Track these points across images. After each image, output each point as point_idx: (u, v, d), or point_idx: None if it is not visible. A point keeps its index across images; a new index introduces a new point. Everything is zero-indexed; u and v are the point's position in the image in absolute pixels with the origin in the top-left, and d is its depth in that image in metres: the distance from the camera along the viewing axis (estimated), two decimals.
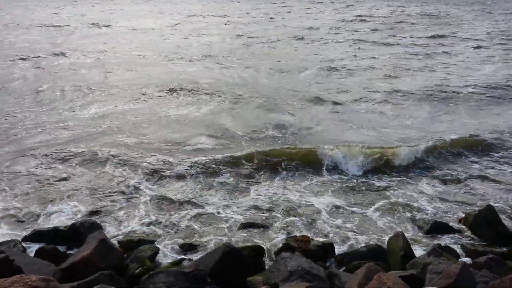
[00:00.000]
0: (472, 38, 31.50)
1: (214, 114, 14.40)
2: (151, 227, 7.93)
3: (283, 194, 9.33)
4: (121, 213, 8.38)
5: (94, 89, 17.26)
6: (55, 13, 51.65)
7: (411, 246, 6.72)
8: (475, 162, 11.02)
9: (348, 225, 8.14)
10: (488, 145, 11.86)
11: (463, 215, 8.32)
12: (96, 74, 20.07)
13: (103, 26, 39.08)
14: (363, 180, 10.06)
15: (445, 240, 7.56)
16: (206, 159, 10.65)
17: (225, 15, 51.39)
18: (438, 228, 7.87)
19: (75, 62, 22.88)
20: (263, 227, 7.98)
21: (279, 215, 8.44)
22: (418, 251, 6.96)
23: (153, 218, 8.22)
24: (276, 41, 30.47)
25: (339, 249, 7.23)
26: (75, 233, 7.11)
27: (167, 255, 7.01)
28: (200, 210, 8.55)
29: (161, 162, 10.46)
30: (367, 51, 26.64)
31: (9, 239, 7.07)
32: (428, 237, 7.70)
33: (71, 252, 6.79)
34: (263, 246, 7.02)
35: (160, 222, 8.09)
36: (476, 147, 11.73)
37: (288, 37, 32.00)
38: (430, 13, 51.70)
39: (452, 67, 22.11)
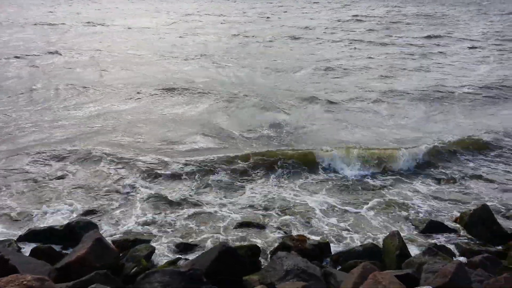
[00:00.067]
0: (467, 38, 31.65)
1: (209, 113, 14.38)
2: (147, 226, 7.92)
3: (279, 193, 9.34)
4: (117, 212, 8.36)
5: (89, 88, 17.18)
6: (50, 12, 51.37)
7: (407, 245, 6.75)
8: (470, 162, 11.07)
9: (344, 225, 8.16)
10: (483, 145, 11.92)
11: (459, 214, 8.36)
12: (91, 73, 19.97)
13: (99, 25, 38.91)
14: (359, 180, 10.09)
15: (441, 239, 7.60)
16: (201, 159, 10.64)
17: (221, 14, 51.33)
18: (433, 227, 7.91)
19: (70, 61, 22.76)
20: (259, 226, 7.98)
21: (275, 214, 8.45)
22: (414, 251, 6.99)
23: (149, 217, 8.20)
24: (272, 41, 30.48)
25: (335, 248, 7.25)
26: (70, 233, 7.08)
27: (163, 254, 7.00)
28: (196, 209, 8.55)
29: (157, 161, 10.44)
30: (363, 51, 26.70)
31: (4, 238, 7.05)
32: (423, 236, 7.74)
33: (66, 251, 6.76)
34: (259, 246, 7.02)
35: (156, 221, 8.08)
36: (471, 147, 11.78)
37: (284, 37, 32.01)
38: (426, 13, 51.87)
39: (448, 67, 22.20)
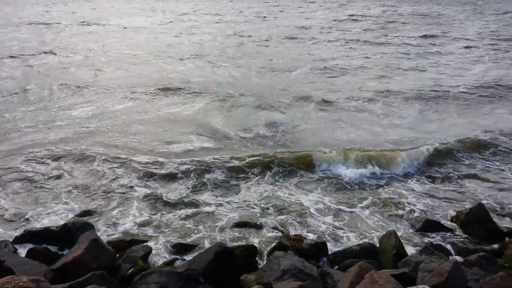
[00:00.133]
0: (463, 38, 31.75)
1: (205, 113, 14.36)
2: (144, 226, 7.91)
3: (275, 192, 9.35)
4: (113, 212, 8.34)
5: (83, 88, 17.09)
6: (45, 11, 51.12)
7: (403, 244, 6.77)
8: (466, 161, 11.12)
9: (341, 224, 8.18)
10: (478, 144, 11.97)
11: (455, 213, 8.40)
12: (86, 73, 19.88)
13: (94, 24, 38.76)
14: (356, 180, 10.08)
15: (437, 238, 7.62)
16: (197, 159, 10.63)
17: (218, 14, 51.26)
18: (430, 226, 7.94)
19: (65, 61, 22.64)
20: (256, 226, 7.98)
21: (271, 214, 8.46)
22: (410, 250, 7.02)
23: (146, 217, 8.19)
24: (268, 40, 30.47)
25: (332, 248, 7.26)
26: (66, 233, 7.06)
27: (160, 255, 6.99)
28: (193, 209, 8.54)
29: (153, 161, 10.42)
30: (359, 50, 26.74)
31: (0, 239, 7.00)
32: (420, 235, 7.76)
33: (62, 252, 6.74)
34: (256, 245, 7.03)
35: (153, 222, 8.07)
36: (467, 146, 11.82)
37: (280, 36, 32.00)
38: (421, 12, 52.01)
39: (443, 66, 22.28)
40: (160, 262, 6.72)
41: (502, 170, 10.69)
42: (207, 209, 8.58)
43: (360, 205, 8.94)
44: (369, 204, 8.99)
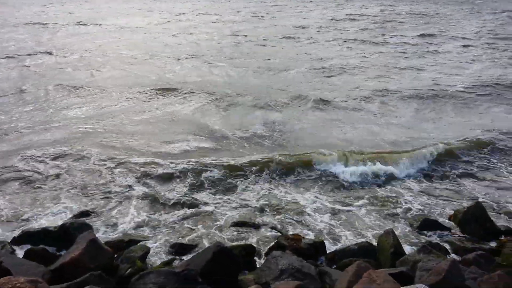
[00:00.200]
0: (461, 37, 31.81)
1: (202, 113, 14.34)
2: (142, 227, 7.90)
3: (273, 192, 9.35)
4: (111, 213, 8.33)
5: (80, 88, 17.02)
6: (42, 11, 50.98)
7: (401, 243, 6.78)
8: (464, 160, 11.13)
9: (339, 223, 8.18)
10: (476, 143, 11.98)
11: (453, 212, 8.41)
12: (83, 73, 19.81)
13: (91, 24, 38.66)
14: (355, 180, 10.07)
15: (435, 237, 7.64)
16: (195, 159, 10.62)
17: (215, 14, 51.21)
18: (428, 225, 7.96)
19: (61, 61, 22.56)
20: (254, 225, 7.99)
21: (270, 214, 8.46)
22: (408, 249, 7.03)
23: (144, 217, 8.18)
24: (266, 40, 30.45)
25: (330, 247, 7.27)
26: (64, 234, 7.04)
27: (158, 255, 6.99)
28: (191, 209, 8.54)
29: (151, 162, 10.40)
30: (357, 50, 26.76)
31: None
32: (418, 234, 7.78)
33: (60, 253, 6.72)
34: (254, 245, 7.03)
35: (151, 222, 8.06)
36: (464, 145, 11.83)
37: (278, 36, 31.98)
38: (419, 11, 52.09)
39: (441, 65, 22.32)
40: (158, 262, 6.72)
41: (500, 168, 10.72)
42: (205, 209, 8.58)
43: (358, 204, 8.96)
44: (367, 203, 9.01)
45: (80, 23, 38.89)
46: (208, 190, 9.35)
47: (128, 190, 9.18)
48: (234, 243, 7.14)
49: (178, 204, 8.71)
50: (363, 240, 7.47)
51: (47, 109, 14.52)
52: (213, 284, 5.34)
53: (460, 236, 7.64)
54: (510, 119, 14.27)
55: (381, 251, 6.64)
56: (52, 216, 8.14)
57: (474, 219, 7.70)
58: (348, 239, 7.65)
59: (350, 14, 48.31)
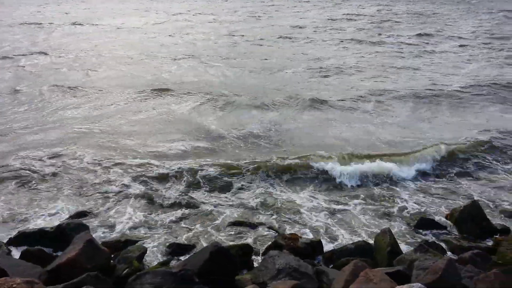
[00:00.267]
0: (457, 36, 31.90)
1: (199, 113, 14.32)
2: (139, 227, 7.89)
3: (270, 192, 9.35)
4: (108, 213, 8.31)
5: (75, 89, 16.91)
6: (38, 11, 50.81)
7: (398, 242, 6.79)
8: (460, 159, 11.15)
9: (336, 223, 8.20)
10: (472, 142, 12.00)
11: (449, 211, 8.43)
12: (78, 74, 19.71)
13: (87, 24, 38.55)
14: (353, 181, 10.07)
15: (432, 236, 7.67)
16: (192, 159, 10.62)
17: (212, 13, 51.17)
18: (424, 224, 7.99)
19: (57, 61, 22.47)
20: (251, 225, 7.99)
21: (267, 213, 8.46)
22: (405, 248, 7.04)
23: (141, 218, 8.16)
24: (263, 40, 30.44)
25: (327, 246, 7.28)
26: (61, 234, 7.03)
27: (155, 255, 6.98)
28: (187, 210, 8.53)
29: (147, 162, 10.37)
30: (353, 49, 26.79)
31: None
32: (414, 233, 7.80)
33: (57, 254, 6.71)
34: (251, 245, 7.03)
35: (148, 222, 8.05)
36: (460, 144, 11.85)
37: (275, 36, 31.98)
38: (416, 11, 52.22)
39: (438, 65, 22.37)
40: (155, 262, 6.71)
41: (496, 168, 10.76)
42: (202, 209, 8.58)
43: (355, 203, 8.97)
44: (363, 202, 9.03)
45: (76, 23, 38.77)
46: (205, 190, 9.35)
47: (125, 190, 9.16)
48: (231, 243, 7.13)
49: (175, 204, 8.70)
50: (360, 239, 7.48)
51: (42, 110, 14.46)
52: (210, 284, 5.34)
53: (457, 235, 7.66)
54: (506, 118, 14.32)
55: (378, 250, 6.65)
56: (48, 216, 8.12)
57: (471, 218, 7.73)
58: (345, 238, 7.66)
59: (347, 14, 48.37)
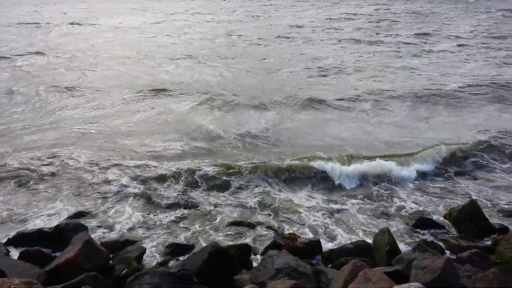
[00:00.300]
0: (455, 36, 31.94)
1: (196, 114, 14.30)
2: (137, 227, 7.88)
3: (269, 192, 9.35)
4: (107, 213, 8.30)
5: (72, 89, 16.85)
6: (35, 11, 50.70)
7: (397, 242, 6.80)
8: (459, 159, 11.16)
9: (335, 222, 8.20)
10: (470, 141, 12.03)
11: (448, 210, 8.45)
12: (75, 74, 19.63)
13: (84, 24, 38.48)
14: (351, 180, 10.09)
15: (430, 235, 7.68)
16: (190, 159, 10.62)
17: (210, 13, 51.14)
18: (423, 223, 8.00)
19: (54, 61, 22.40)
20: (250, 225, 7.98)
21: (266, 213, 8.47)
22: (404, 247, 7.05)
23: (139, 218, 8.16)
24: (261, 40, 30.44)
25: (326, 246, 7.28)
26: (60, 235, 7.01)
27: (154, 255, 6.98)
28: (186, 210, 8.53)
29: (145, 163, 10.34)
30: (351, 49, 26.81)
31: None
32: (413, 232, 7.81)
33: (56, 254, 6.69)
34: (250, 245, 7.03)
35: (146, 222, 8.04)
36: (458, 144, 11.87)
37: (273, 36, 31.98)
38: (414, 11, 52.29)
39: (436, 65, 22.40)
40: (154, 262, 6.71)
41: (494, 167, 10.78)
42: (201, 209, 8.57)
43: (353, 203, 8.98)
44: (362, 202, 9.04)
45: (74, 23, 38.70)
46: (203, 190, 9.34)
47: (123, 191, 9.15)
48: (230, 243, 7.13)
49: (174, 204, 8.69)
50: (358, 238, 7.49)
51: (40, 110, 14.42)
52: (209, 284, 5.34)
53: (455, 235, 7.67)
54: (505, 118, 14.35)
55: (377, 249, 6.66)
56: (47, 217, 8.10)
57: (469, 217, 7.74)
58: (343, 237, 7.67)
59: (345, 14, 48.40)
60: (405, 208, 8.74)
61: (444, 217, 8.28)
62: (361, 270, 4.95)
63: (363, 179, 10.04)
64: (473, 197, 9.01)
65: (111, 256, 6.47)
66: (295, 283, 5.04)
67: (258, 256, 6.94)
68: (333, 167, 10.29)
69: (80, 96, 16.13)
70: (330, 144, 11.73)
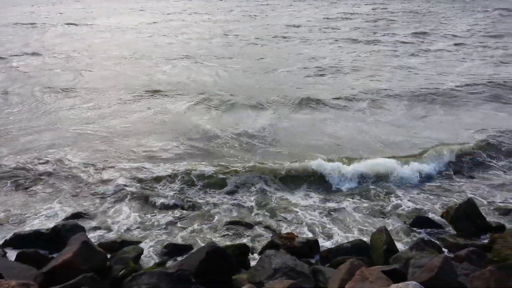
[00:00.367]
0: (452, 35, 32.01)
1: (193, 114, 14.27)
2: (135, 228, 7.86)
3: (267, 192, 9.35)
4: (104, 214, 8.28)
5: (68, 90, 16.78)
6: (31, 11, 50.55)
7: (394, 240, 6.81)
8: (456, 158, 11.18)
9: (332, 222, 8.21)
10: (467, 141, 12.06)
11: (445, 209, 8.46)
12: (71, 74, 19.56)
13: (81, 24, 38.38)
14: (349, 180, 10.09)
15: (427, 234, 7.69)
16: (187, 160, 10.60)
17: (207, 13, 51.09)
18: (420, 222, 8.01)
19: (50, 62, 22.32)
20: (247, 225, 7.98)
21: (263, 213, 8.46)
22: (401, 246, 7.06)
23: (136, 219, 8.14)
24: (258, 39, 30.43)
25: (324, 245, 7.28)
26: (56, 236, 6.99)
27: (151, 256, 6.96)
28: (184, 210, 8.52)
29: (141, 164, 10.30)
30: (349, 48, 26.83)
31: None
32: (410, 231, 7.82)
33: (53, 255, 6.67)
34: (248, 244, 7.02)
35: (144, 223, 8.03)
36: (456, 143, 11.90)
37: (270, 35, 31.98)
38: (411, 10, 52.38)
39: (433, 64, 22.43)
40: (152, 263, 6.69)
41: (490, 165, 10.81)
42: (198, 209, 8.57)
43: (351, 202, 8.98)
44: (360, 201, 9.05)
45: (70, 23, 38.59)
46: (200, 190, 9.33)
47: (120, 191, 9.13)
48: (227, 243, 7.13)
49: (171, 205, 8.68)
50: (356, 237, 7.50)
51: (36, 111, 14.36)
52: (207, 284, 5.33)
53: (452, 233, 7.69)
54: (501, 117, 14.39)
55: (374, 248, 6.67)
56: (44, 218, 8.08)
57: (466, 216, 7.75)
58: (341, 236, 7.68)
59: (342, 13, 48.44)
60: (402, 206, 8.75)
61: (441, 215, 8.28)
62: (358, 269, 4.96)
63: (360, 178, 10.04)
64: (470, 196, 9.03)
65: (108, 256, 6.45)
66: (293, 283, 5.04)
67: (256, 256, 6.94)
68: (330, 166, 10.26)
69: (77, 96, 16.08)
70: (327, 144, 11.75)
